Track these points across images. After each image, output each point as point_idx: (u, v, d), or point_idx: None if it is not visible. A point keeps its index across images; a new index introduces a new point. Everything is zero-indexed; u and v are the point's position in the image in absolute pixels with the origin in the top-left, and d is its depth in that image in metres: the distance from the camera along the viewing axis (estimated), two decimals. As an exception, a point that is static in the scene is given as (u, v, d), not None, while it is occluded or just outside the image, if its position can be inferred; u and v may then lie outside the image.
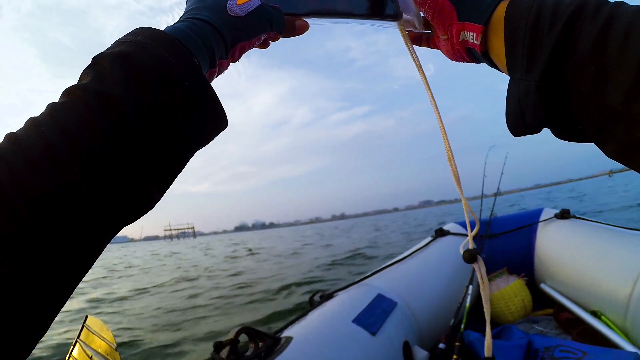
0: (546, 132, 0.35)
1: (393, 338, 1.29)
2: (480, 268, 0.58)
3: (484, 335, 1.48)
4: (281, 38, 0.45)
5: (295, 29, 0.45)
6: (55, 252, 0.23)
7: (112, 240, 0.29)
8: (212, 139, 0.34)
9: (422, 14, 0.49)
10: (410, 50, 0.53)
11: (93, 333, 0.77)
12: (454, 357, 1.36)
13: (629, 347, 1.28)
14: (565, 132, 0.32)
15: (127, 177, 0.27)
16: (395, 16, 0.48)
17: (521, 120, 0.34)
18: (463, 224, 2.32)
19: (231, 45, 0.37)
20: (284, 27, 0.43)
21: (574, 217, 2.04)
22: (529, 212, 2.31)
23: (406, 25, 0.51)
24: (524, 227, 2.16)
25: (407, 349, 1.30)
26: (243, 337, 1.08)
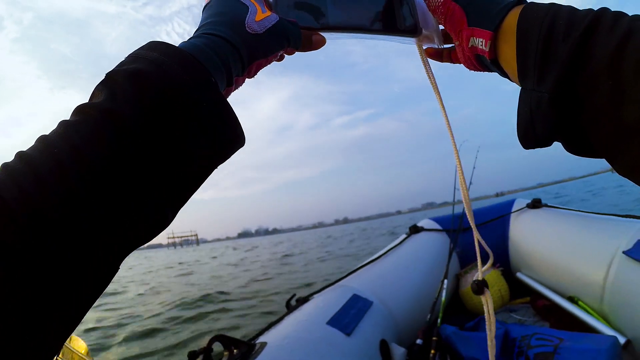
0: None
1: (369, 337, 1.28)
2: (487, 302, 0.58)
3: (460, 328, 1.49)
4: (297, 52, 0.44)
5: (312, 44, 0.44)
6: (60, 262, 0.23)
7: None
8: (230, 156, 0.33)
9: (440, 27, 0.48)
10: (426, 69, 0.51)
11: (75, 353, 0.74)
12: (432, 352, 1.35)
13: (607, 331, 1.30)
14: (575, 146, 0.32)
15: (138, 196, 0.26)
16: (414, 32, 0.47)
17: (532, 131, 0.33)
18: (437, 220, 2.33)
19: (248, 62, 0.36)
20: (300, 43, 0.42)
21: (546, 205, 2.07)
22: (502, 204, 2.34)
23: (425, 41, 0.49)
24: (497, 218, 2.19)
25: (384, 347, 1.29)
26: (218, 346, 1.07)
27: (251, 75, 0.40)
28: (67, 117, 0.27)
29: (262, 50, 0.37)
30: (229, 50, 0.33)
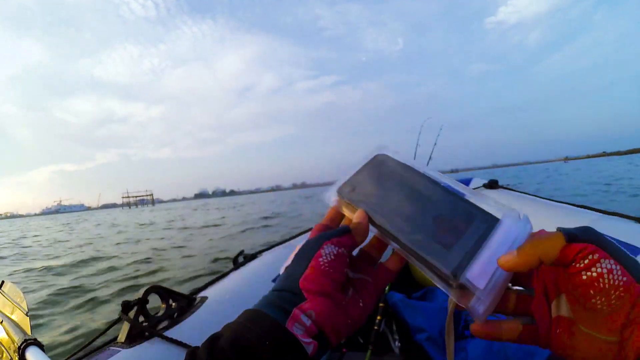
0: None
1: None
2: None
3: (408, 296, 1.49)
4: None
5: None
6: None
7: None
8: None
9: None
10: (448, 335, 0.42)
11: (7, 299, 0.78)
12: (378, 317, 1.35)
13: None
14: None
15: None
16: (447, 278, 0.35)
17: None
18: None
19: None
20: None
21: (502, 187, 2.09)
22: (459, 180, 2.35)
23: (464, 297, 0.35)
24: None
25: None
26: (156, 298, 1.00)
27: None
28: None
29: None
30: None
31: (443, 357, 1.20)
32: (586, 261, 0.28)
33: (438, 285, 0.37)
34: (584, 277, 0.28)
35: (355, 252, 0.43)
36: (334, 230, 0.40)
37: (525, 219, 0.37)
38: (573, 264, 0.29)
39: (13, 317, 0.72)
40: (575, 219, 1.44)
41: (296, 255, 0.39)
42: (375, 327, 1.32)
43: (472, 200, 0.40)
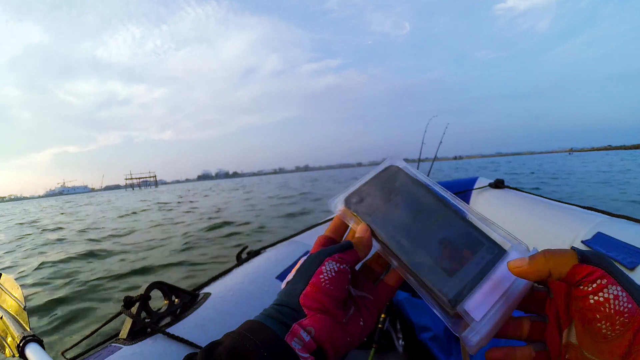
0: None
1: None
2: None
3: (413, 295, 1.48)
4: None
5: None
6: None
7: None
8: None
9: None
10: None
11: (4, 291, 0.77)
12: (382, 316, 1.34)
13: None
14: None
15: None
16: (445, 305, 0.35)
17: None
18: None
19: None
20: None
21: (508, 187, 2.07)
22: (464, 180, 2.33)
23: (459, 326, 0.35)
24: (458, 193, 2.18)
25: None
26: (159, 294, 0.99)
27: None
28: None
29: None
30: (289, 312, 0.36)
31: (447, 357, 1.19)
32: (594, 285, 0.29)
33: (434, 310, 0.36)
34: (591, 300, 0.29)
35: (357, 265, 0.42)
36: (336, 246, 0.40)
37: (533, 253, 0.35)
38: (581, 286, 0.30)
39: (11, 310, 0.71)
40: (582, 221, 1.41)
41: (297, 270, 0.39)
42: (380, 326, 1.31)
43: (482, 227, 0.39)
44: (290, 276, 0.40)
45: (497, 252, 0.37)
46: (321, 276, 0.36)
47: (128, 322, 0.83)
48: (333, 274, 0.37)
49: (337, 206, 0.44)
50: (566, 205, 1.65)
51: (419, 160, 2.39)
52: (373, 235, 0.41)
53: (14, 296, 0.74)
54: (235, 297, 1.03)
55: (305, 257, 0.40)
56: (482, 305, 0.33)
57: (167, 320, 0.93)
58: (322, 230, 1.68)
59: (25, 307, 0.72)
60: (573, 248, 0.32)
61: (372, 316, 0.40)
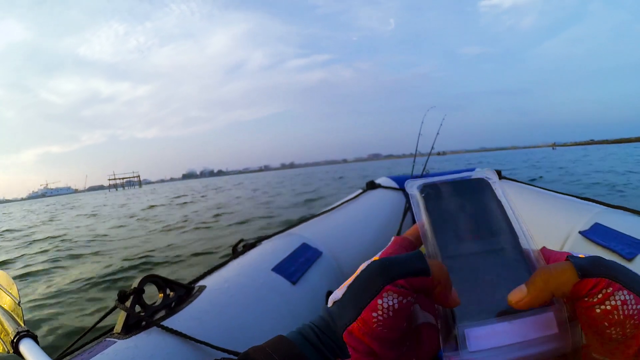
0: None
1: (316, 287, 1.24)
2: None
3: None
4: None
5: None
6: None
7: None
8: None
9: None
10: None
11: None
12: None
13: None
14: None
15: None
16: (449, 317, 0.31)
17: None
18: (395, 179, 2.30)
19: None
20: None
21: (505, 178, 2.07)
22: (460, 172, 2.33)
23: (447, 344, 0.31)
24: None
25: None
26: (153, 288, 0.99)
27: None
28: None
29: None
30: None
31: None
32: (600, 295, 0.28)
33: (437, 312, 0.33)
34: (598, 310, 0.28)
35: None
36: (408, 263, 0.30)
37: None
38: (586, 298, 0.28)
39: (5, 306, 0.71)
40: (579, 212, 1.42)
41: (349, 287, 0.31)
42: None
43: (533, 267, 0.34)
44: (338, 293, 0.33)
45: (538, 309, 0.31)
46: (374, 314, 0.29)
47: (122, 316, 0.82)
48: (390, 313, 0.29)
49: (415, 190, 0.41)
50: (564, 196, 1.65)
51: (415, 155, 2.39)
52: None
53: (8, 291, 0.73)
54: (231, 289, 1.03)
55: (364, 265, 0.32)
56: (484, 342, 0.29)
57: (162, 313, 0.92)
58: (320, 222, 1.68)
59: (19, 302, 0.72)
60: (568, 258, 0.30)
61: (432, 349, 0.35)
